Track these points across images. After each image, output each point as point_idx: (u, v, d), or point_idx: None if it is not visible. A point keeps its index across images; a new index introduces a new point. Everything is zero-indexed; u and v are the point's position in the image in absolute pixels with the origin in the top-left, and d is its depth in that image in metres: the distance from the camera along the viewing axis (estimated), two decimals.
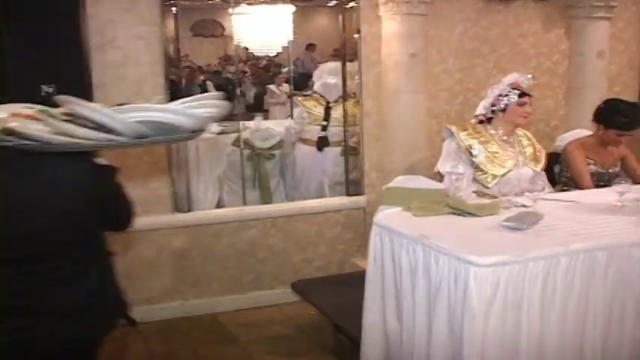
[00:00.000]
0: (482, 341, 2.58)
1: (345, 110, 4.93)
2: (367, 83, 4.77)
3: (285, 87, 7.01)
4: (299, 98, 5.71)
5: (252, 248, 4.73)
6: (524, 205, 3.30)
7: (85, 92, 3.84)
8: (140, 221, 4.35)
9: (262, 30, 4.51)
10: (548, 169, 4.25)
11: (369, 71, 4.76)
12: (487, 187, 3.77)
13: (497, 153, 3.82)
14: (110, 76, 4.27)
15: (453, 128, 3.89)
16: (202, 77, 7.16)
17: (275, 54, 4.85)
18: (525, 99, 3.85)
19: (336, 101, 5.43)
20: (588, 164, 4.17)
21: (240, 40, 4.66)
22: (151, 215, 4.49)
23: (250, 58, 7.08)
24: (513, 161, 3.84)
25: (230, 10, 4.65)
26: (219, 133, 5.82)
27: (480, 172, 3.79)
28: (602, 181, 4.11)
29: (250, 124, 5.89)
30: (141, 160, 4.42)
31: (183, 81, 5.98)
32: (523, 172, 3.88)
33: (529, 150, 3.99)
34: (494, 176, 3.77)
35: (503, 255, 2.62)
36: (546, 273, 2.67)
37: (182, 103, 2.16)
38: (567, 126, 5.24)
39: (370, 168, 4.87)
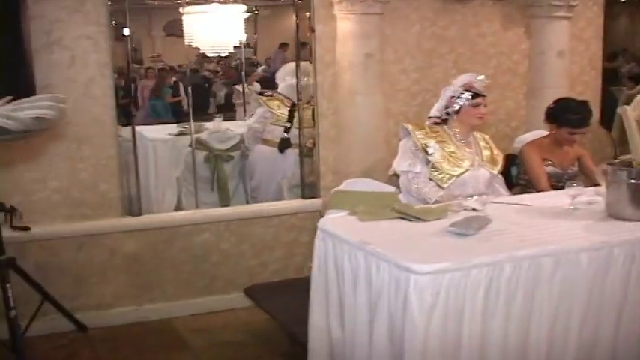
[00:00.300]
0: (423, 351, 2.51)
1: (299, 111, 4.84)
2: (322, 84, 4.68)
3: (257, 86, 6.87)
4: (263, 98, 5.60)
5: (206, 252, 4.63)
6: (474, 209, 3.23)
7: (28, 93, 3.71)
8: (90, 225, 4.38)
9: (213, 30, 4.41)
10: (506, 171, 4.20)
11: (324, 72, 4.67)
12: (442, 188, 3.71)
13: (454, 153, 3.78)
14: (57, 77, 4.15)
15: (410, 127, 3.84)
16: (174, 78, 7.00)
17: (227, 54, 4.74)
18: (479, 99, 3.82)
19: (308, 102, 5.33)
20: (546, 165, 4.13)
21: (191, 41, 4.56)
22: (102, 219, 4.40)
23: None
24: (470, 162, 3.80)
25: (180, 10, 4.54)
26: (177, 135, 5.73)
27: (435, 172, 3.74)
28: (560, 181, 4.06)
29: (209, 125, 5.80)
30: (89, 163, 4.31)
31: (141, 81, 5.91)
32: (480, 173, 3.84)
33: (486, 153, 3.95)
34: (451, 176, 3.73)
35: (444, 262, 2.55)
36: (489, 280, 2.61)
37: (15, 105, 2.09)
38: (528, 127, 5.20)
39: (326, 170, 4.78)
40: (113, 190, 4.40)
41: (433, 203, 3.54)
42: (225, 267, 4.68)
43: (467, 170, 3.77)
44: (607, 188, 3.16)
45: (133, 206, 4.46)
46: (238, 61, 7.08)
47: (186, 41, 4.59)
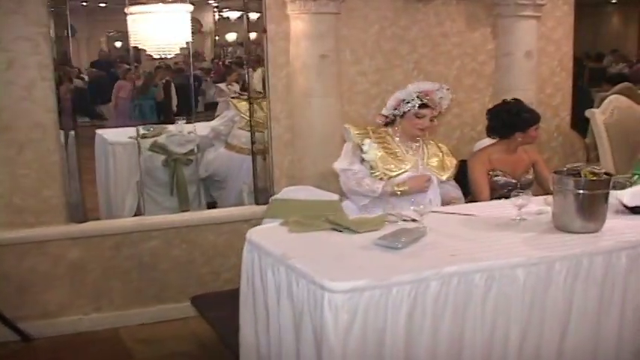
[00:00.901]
0: None
1: (251, 113, 4.67)
2: (275, 86, 4.51)
3: (236, 87, 6.70)
4: (232, 100, 5.43)
5: (155, 260, 4.47)
6: (413, 220, 3.06)
7: None
8: (33, 232, 4.23)
9: (159, 30, 4.24)
10: (459, 177, 4.04)
11: (277, 73, 4.50)
12: None
13: (396, 152, 3.69)
14: None
15: (349, 127, 3.75)
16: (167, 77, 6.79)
17: (173, 55, 4.58)
18: (425, 111, 3.69)
19: None
20: (496, 176, 3.96)
21: (136, 41, 4.39)
22: (45, 226, 4.24)
23: (218, 56, 6.81)
24: (411, 164, 3.68)
25: (125, 10, 4.37)
26: (138, 137, 5.56)
27: (372, 170, 3.64)
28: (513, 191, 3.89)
29: (172, 127, 5.63)
30: (32, 168, 4.15)
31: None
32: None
33: (434, 161, 3.83)
34: (388, 175, 3.62)
35: (362, 280, 2.38)
36: (413, 299, 2.45)
37: None
38: None
39: (280, 175, 4.61)
40: (57, 196, 4.24)
41: (379, 195, 3.55)
42: (176, 275, 4.51)
43: (405, 171, 3.66)
44: (554, 198, 2.98)
45: (77, 212, 4.29)
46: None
47: (132, 42, 4.42)
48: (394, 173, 3.63)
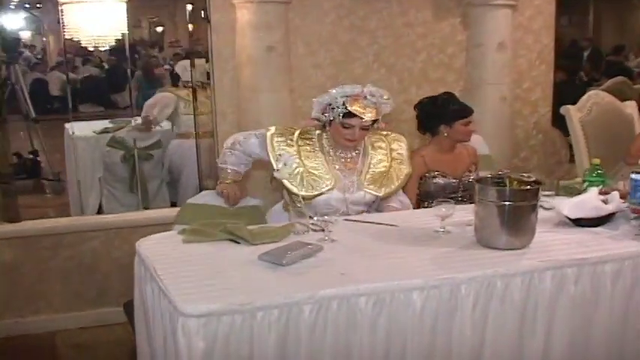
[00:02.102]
0: None
1: (195, 109, 4.41)
2: (221, 79, 4.24)
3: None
4: (169, 88, 5.18)
5: (96, 261, 4.26)
6: (323, 230, 2.76)
7: None
8: None
9: (92, 21, 3.99)
10: None
11: (223, 66, 4.23)
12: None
13: (315, 170, 3.16)
14: None
15: (269, 133, 3.21)
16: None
17: (108, 47, 4.33)
18: (352, 121, 3.08)
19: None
20: (434, 177, 3.61)
21: (69, 33, 4.15)
22: None
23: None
24: (333, 182, 3.15)
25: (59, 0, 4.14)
26: (100, 132, 5.37)
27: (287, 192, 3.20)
28: (455, 193, 3.56)
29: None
30: None
31: None
32: (355, 197, 3.21)
33: (378, 169, 3.27)
34: (304, 197, 3.07)
35: (218, 303, 2.11)
36: (284, 325, 2.17)
37: None
38: None
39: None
40: None
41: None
42: (117, 278, 4.28)
43: (321, 194, 3.12)
44: (476, 209, 2.66)
45: (11, 211, 4.09)
46: None
47: (66, 34, 4.18)
48: (309, 194, 3.11)
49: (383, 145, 3.34)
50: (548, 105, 4.95)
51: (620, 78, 5.81)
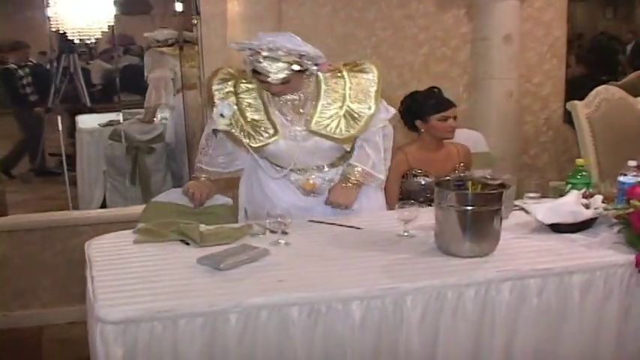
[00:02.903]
0: None
1: (185, 104, 4.31)
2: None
3: None
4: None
5: (85, 256, 4.19)
6: (283, 232, 2.64)
7: None
8: None
9: (78, 13, 3.91)
10: None
11: (213, 60, 4.10)
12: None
13: (255, 120, 2.87)
14: None
15: (219, 75, 2.93)
16: None
17: (94, 40, 4.25)
18: (261, 77, 2.70)
19: None
20: (415, 176, 3.44)
21: (56, 25, 4.08)
22: None
23: None
24: (273, 131, 2.86)
25: None
26: (105, 125, 5.33)
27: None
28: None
29: None
30: None
31: None
32: (307, 145, 2.89)
33: (330, 111, 2.86)
34: (252, 148, 2.87)
35: (136, 309, 2.01)
36: (209, 334, 2.06)
37: None
38: (471, 123, 4.50)
39: None
40: None
41: None
42: None
43: (267, 144, 2.86)
44: (435, 214, 2.50)
45: None
46: None
47: (52, 26, 4.11)
48: (255, 145, 2.86)
49: (341, 82, 2.90)
50: (559, 100, 4.72)
51: (637, 72, 5.48)
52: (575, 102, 4.09)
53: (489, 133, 4.45)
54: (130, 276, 2.28)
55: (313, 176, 2.95)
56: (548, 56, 4.70)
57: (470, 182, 2.50)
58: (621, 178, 2.81)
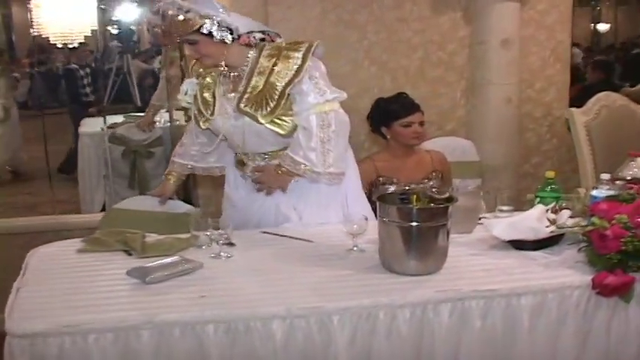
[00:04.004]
0: None
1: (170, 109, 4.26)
2: None
3: None
4: None
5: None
6: (231, 243, 2.56)
7: None
8: None
9: (62, 17, 3.88)
10: None
11: None
12: None
13: (205, 99, 2.89)
14: None
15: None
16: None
17: (77, 45, 4.20)
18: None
19: None
20: (384, 184, 3.31)
21: (39, 30, 4.06)
22: None
23: None
24: (212, 108, 2.86)
25: None
26: (108, 127, 5.32)
27: None
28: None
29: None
30: None
31: None
32: (237, 123, 2.82)
33: (257, 88, 2.76)
34: (200, 127, 2.94)
35: (42, 323, 1.96)
36: (122, 350, 2.00)
37: None
38: (468, 130, 4.37)
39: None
40: None
41: None
42: None
43: (207, 120, 2.88)
44: (378, 229, 2.38)
45: None
46: None
47: (34, 31, 4.10)
48: (202, 123, 2.89)
49: (272, 59, 2.77)
50: (563, 107, 4.50)
51: None
52: (573, 109, 3.92)
53: (488, 140, 4.31)
54: (54, 287, 2.24)
55: (262, 164, 2.87)
56: (552, 61, 4.50)
57: (414, 196, 2.36)
58: (593, 192, 2.65)
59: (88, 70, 5.69)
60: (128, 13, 5.37)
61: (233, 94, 2.81)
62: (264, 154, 2.87)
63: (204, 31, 2.65)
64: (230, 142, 2.92)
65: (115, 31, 5.54)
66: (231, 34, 2.70)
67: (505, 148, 4.35)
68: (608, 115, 3.93)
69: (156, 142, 5.12)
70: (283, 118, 2.77)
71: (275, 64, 2.74)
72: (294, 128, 2.77)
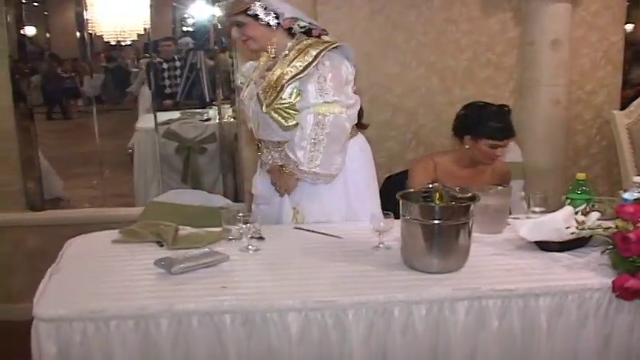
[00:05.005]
0: None
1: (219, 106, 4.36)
2: None
3: None
4: None
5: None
6: (260, 237, 2.63)
7: None
8: None
9: (116, 15, 4.02)
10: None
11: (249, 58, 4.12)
12: None
13: (251, 80, 3.05)
14: None
15: None
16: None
17: (130, 42, 4.34)
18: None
19: None
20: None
21: (94, 28, 4.21)
22: (2, 213, 4.24)
23: None
24: (245, 91, 3.04)
25: None
26: (162, 124, 5.47)
27: None
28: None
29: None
30: None
31: None
32: (254, 109, 2.95)
33: (274, 78, 2.84)
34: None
35: (68, 308, 2.07)
36: (142, 336, 2.09)
37: None
38: (516, 130, 4.29)
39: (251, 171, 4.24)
40: (14, 183, 4.21)
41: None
42: None
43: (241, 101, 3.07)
44: (400, 226, 2.40)
45: (34, 200, 4.26)
46: None
47: (89, 29, 4.25)
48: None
49: (298, 53, 2.82)
50: (614, 109, 4.41)
51: None
52: (615, 111, 3.85)
53: (535, 141, 4.27)
54: (84, 275, 2.34)
55: (275, 155, 2.94)
56: (603, 63, 4.42)
57: (437, 194, 2.37)
58: (624, 195, 2.61)
59: (172, 64, 5.83)
60: (201, 11, 5.48)
61: (261, 80, 2.90)
62: (276, 144, 2.92)
63: (251, 13, 2.78)
64: (253, 126, 3.00)
65: (187, 29, 5.71)
66: (277, 18, 2.81)
67: (553, 150, 4.30)
68: None
69: (208, 138, 5.23)
70: (288, 111, 2.83)
71: (296, 57, 2.80)
72: (295, 124, 2.83)
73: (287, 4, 2.90)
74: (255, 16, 2.80)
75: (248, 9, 2.79)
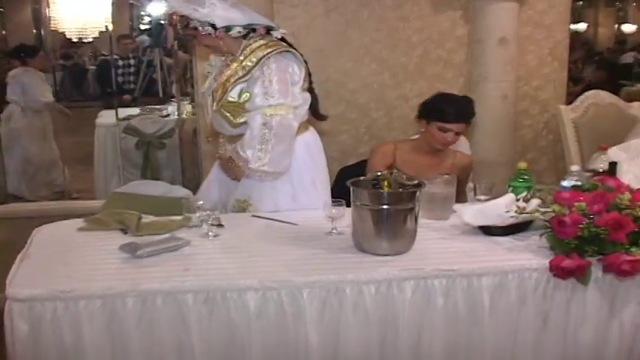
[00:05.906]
0: None
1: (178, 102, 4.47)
2: None
3: None
4: None
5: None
6: (220, 225, 2.75)
7: None
8: None
9: (78, 12, 4.09)
10: None
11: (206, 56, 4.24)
12: None
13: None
14: None
15: None
16: None
17: (91, 40, 4.42)
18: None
19: None
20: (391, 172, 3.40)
21: (55, 25, 4.28)
22: None
23: None
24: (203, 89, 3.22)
25: None
26: (122, 119, 5.55)
27: None
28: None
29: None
30: None
31: None
32: (210, 104, 3.14)
33: (225, 77, 3.03)
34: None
35: (41, 288, 2.18)
36: (109, 316, 2.20)
37: None
38: None
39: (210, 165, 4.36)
40: None
41: None
42: None
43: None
44: (351, 212, 2.55)
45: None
46: None
47: (51, 25, 4.32)
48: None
49: (249, 54, 2.96)
50: (561, 104, 4.63)
51: None
52: (561, 106, 4.05)
53: (484, 135, 4.45)
54: (53, 259, 2.43)
55: (230, 148, 3.08)
56: (549, 59, 4.64)
57: (385, 181, 2.53)
58: (563, 182, 2.80)
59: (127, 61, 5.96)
60: (157, 9, 5.57)
61: (219, 76, 3.07)
62: (229, 137, 3.10)
63: (191, 26, 2.92)
64: (208, 119, 3.19)
65: (144, 27, 5.78)
66: (213, 27, 2.92)
67: (501, 144, 4.49)
68: (595, 112, 4.06)
69: (167, 133, 5.33)
70: (236, 109, 2.99)
71: (247, 57, 2.95)
72: (244, 122, 2.99)
73: (238, 8, 2.99)
74: (195, 29, 2.93)
75: (188, 24, 2.92)
